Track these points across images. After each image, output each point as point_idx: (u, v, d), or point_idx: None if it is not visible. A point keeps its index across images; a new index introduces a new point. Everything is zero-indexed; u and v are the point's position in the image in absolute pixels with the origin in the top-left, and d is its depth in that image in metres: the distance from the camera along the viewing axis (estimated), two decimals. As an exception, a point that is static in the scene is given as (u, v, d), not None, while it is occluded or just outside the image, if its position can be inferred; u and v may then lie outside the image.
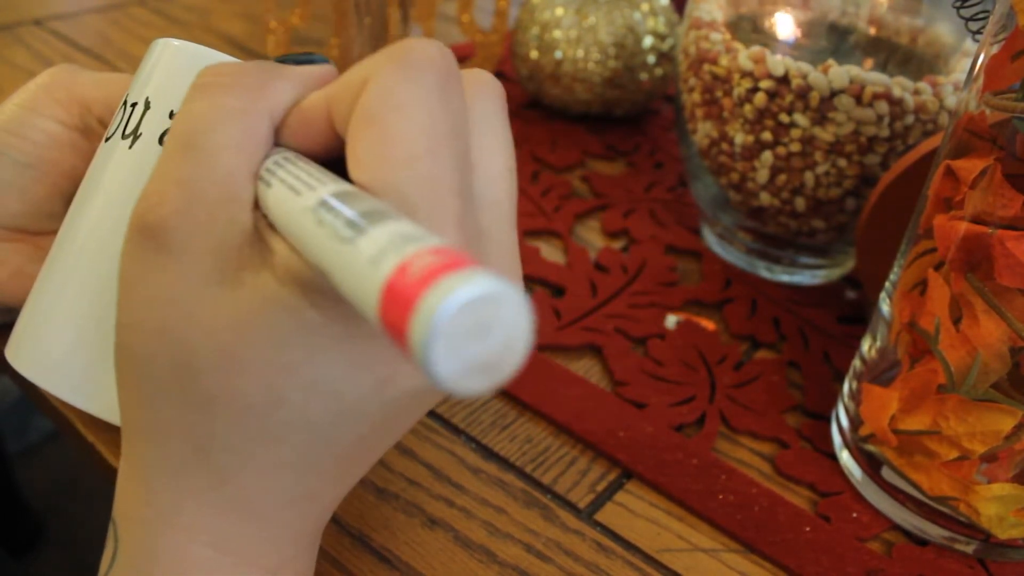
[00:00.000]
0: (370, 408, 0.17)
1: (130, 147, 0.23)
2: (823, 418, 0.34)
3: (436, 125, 0.16)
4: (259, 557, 0.19)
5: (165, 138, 0.21)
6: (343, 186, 0.16)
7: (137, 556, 0.19)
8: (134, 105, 0.24)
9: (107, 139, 0.24)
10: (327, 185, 0.15)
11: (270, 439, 0.17)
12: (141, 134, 0.23)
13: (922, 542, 0.30)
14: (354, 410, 0.17)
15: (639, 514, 0.30)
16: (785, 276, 0.43)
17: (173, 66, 0.23)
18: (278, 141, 0.18)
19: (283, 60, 0.20)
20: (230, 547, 0.19)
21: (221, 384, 0.17)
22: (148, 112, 0.23)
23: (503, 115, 0.19)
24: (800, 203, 0.39)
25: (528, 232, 0.44)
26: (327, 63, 0.20)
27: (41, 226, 0.28)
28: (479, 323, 0.12)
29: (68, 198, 0.26)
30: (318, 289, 0.16)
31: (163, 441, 0.18)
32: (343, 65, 0.54)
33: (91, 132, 0.28)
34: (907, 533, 0.30)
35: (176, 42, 0.24)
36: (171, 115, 0.23)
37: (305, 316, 0.16)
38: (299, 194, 0.16)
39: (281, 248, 0.16)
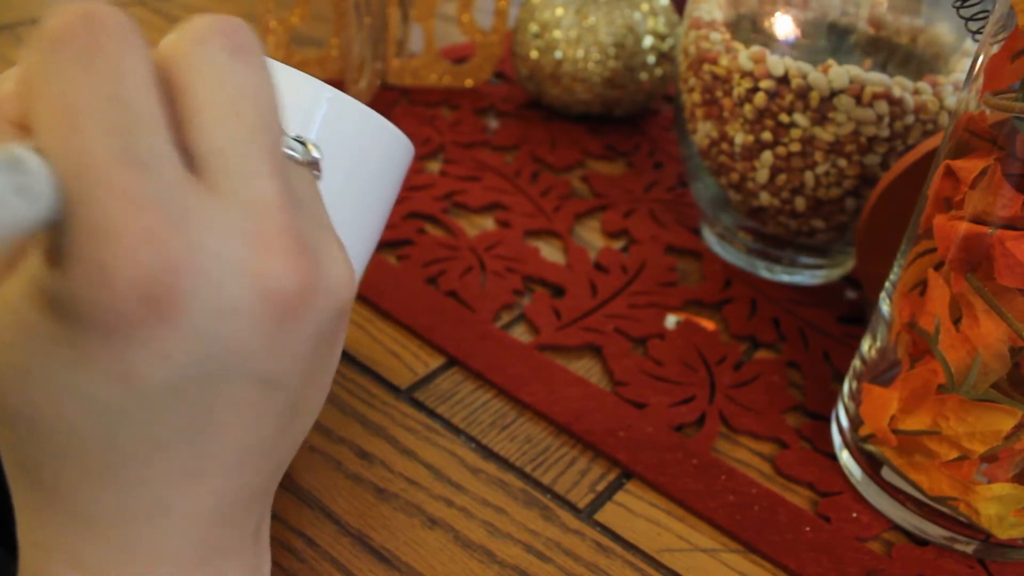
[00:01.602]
0: (132, 406, 0.16)
1: None
2: (823, 418, 0.34)
3: (74, 101, 0.15)
4: None
5: None
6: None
7: None
8: None
9: None
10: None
11: (66, 450, 0.17)
12: None
13: (922, 542, 0.30)
14: (114, 411, 0.16)
15: (639, 514, 0.30)
16: (785, 276, 0.43)
17: None
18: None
19: None
20: (89, 567, 0.18)
21: (0, 400, 0.17)
22: None
23: (224, 56, 0.17)
24: (800, 203, 0.39)
25: (528, 232, 0.44)
26: None
27: None
28: None
29: None
30: (47, 291, 0.15)
31: (4, 461, 0.18)
32: (343, 65, 0.54)
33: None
34: (907, 533, 0.30)
35: None
36: None
37: (29, 319, 0.16)
38: None
39: (32, 253, 0.16)
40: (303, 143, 0.20)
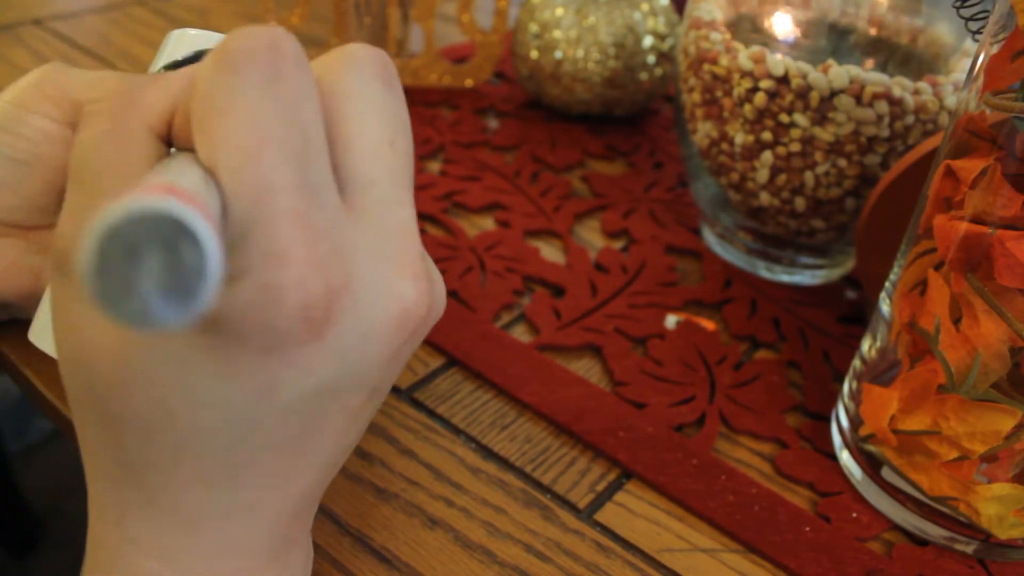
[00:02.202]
0: (263, 416, 0.17)
1: None
2: (823, 418, 0.34)
3: (259, 124, 0.15)
4: (208, 570, 0.19)
5: None
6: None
7: (96, 571, 0.19)
8: None
9: None
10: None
11: (182, 453, 0.17)
12: None
13: (922, 542, 0.30)
14: (247, 419, 0.17)
15: (639, 514, 0.30)
16: (785, 276, 0.43)
17: (188, 51, 0.24)
18: (179, 146, 0.18)
19: (174, 66, 0.20)
20: (178, 561, 0.19)
21: (120, 403, 0.17)
22: None
23: (379, 85, 0.18)
24: (800, 203, 0.39)
25: (528, 232, 0.44)
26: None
27: (34, 220, 0.28)
28: (134, 243, 0.11)
29: (61, 193, 0.26)
30: None
31: (99, 459, 0.19)
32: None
33: None
34: (907, 533, 0.30)
35: (192, 31, 0.24)
36: None
37: (183, 331, 0.16)
38: None
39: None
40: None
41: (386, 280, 0.17)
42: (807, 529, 0.29)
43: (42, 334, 0.27)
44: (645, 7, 0.53)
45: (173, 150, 0.18)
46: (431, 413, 0.33)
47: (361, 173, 0.17)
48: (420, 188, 0.46)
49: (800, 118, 0.37)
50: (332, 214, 0.16)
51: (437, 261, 0.40)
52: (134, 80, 0.18)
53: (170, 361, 0.16)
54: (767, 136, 0.38)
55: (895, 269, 0.30)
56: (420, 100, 0.56)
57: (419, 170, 0.48)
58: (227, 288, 0.15)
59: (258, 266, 0.15)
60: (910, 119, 0.36)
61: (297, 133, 0.16)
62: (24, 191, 0.27)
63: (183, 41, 0.24)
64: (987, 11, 0.28)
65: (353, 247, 0.17)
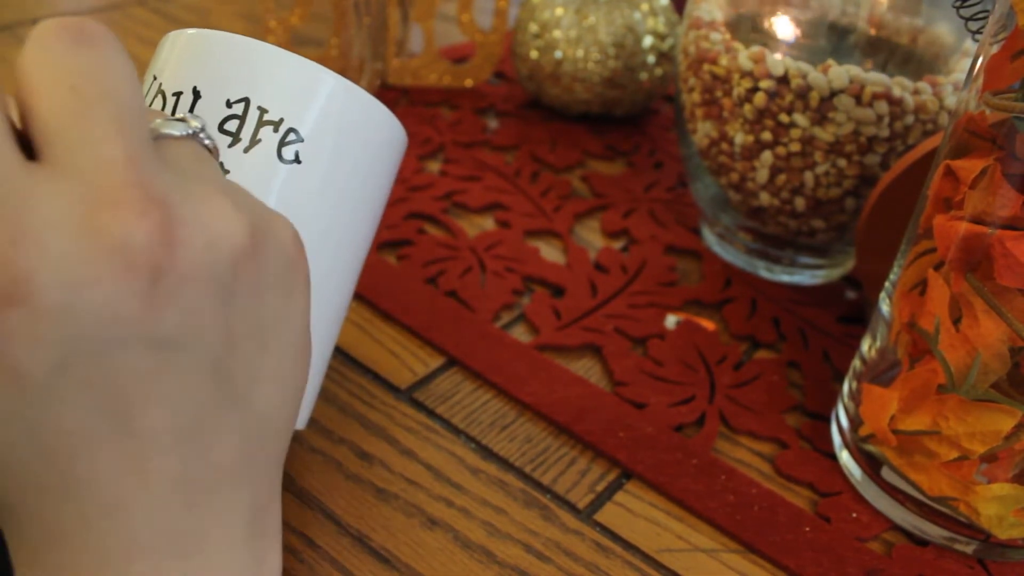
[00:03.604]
0: (35, 402, 0.16)
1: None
2: (823, 418, 0.34)
3: None
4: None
5: None
6: None
7: None
8: (179, 94, 0.24)
9: None
10: None
11: (3, 472, 0.17)
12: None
13: (922, 542, 0.30)
14: (26, 414, 0.16)
15: (639, 514, 0.30)
16: (785, 276, 0.43)
17: (185, 52, 0.24)
18: None
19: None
20: None
21: None
22: (200, 101, 0.23)
23: (57, 46, 0.17)
24: (800, 203, 0.39)
25: (528, 232, 0.44)
26: None
27: None
28: None
29: None
30: None
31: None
32: (343, 65, 0.54)
33: None
34: (907, 533, 0.30)
35: (190, 31, 0.24)
36: (228, 104, 0.23)
37: None
38: None
39: None
40: (181, 120, 0.19)
41: (83, 222, 0.16)
42: (807, 529, 0.29)
43: None
44: (645, 7, 0.53)
45: None
46: (431, 413, 0.33)
47: (47, 131, 0.16)
48: (420, 188, 0.46)
49: (800, 118, 0.37)
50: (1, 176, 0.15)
51: (437, 261, 0.41)
52: None
53: None
54: (767, 136, 0.38)
55: (895, 269, 0.30)
56: (420, 100, 0.56)
57: (419, 170, 0.48)
58: None
59: None
60: (910, 119, 0.36)
61: None
62: None
63: (178, 43, 0.24)
64: (987, 11, 0.28)
65: (36, 199, 0.15)
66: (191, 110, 0.23)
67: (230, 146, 0.23)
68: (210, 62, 0.24)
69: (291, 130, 0.23)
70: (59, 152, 0.16)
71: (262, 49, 0.23)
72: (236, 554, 0.19)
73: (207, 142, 0.20)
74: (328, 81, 0.24)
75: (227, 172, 0.23)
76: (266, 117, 0.23)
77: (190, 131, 0.19)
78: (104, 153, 0.16)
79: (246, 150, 0.23)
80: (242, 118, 0.23)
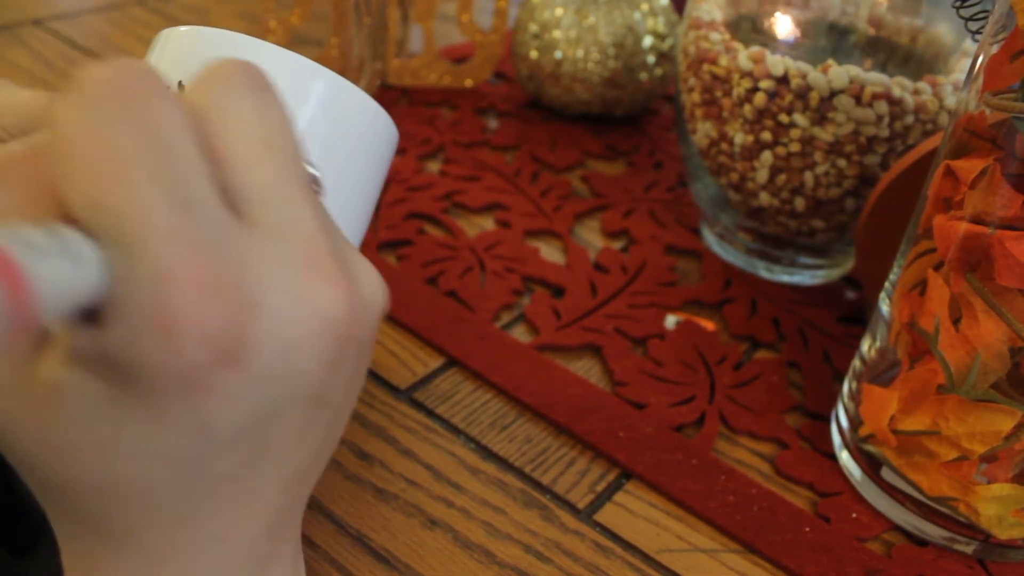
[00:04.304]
0: (205, 452, 0.16)
1: None
2: (823, 418, 0.34)
3: (117, 149, 0.14)
4: None
5: None
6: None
7: None
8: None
9: None
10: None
11: (137, 504, 0.17)
12: None
13: (922, 542, 0.30)
14: (190, 459, 0.16)
15: (638, 514, 0.30)
16: (785, 276, 0.43)
17: (178, 49, 0.24)
18: None
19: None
20: None
21: (60, 473, 0.16)
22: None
23: (245, 93, 0.17)
24: (800, 203, 0.39)
25: (528, 232, 0.44)
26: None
27: None
28: None
29: None
30: (94, 356, 0.15)
31: (59, 521, 0.18)
32: (343, 65, 0.54)
33: None
34: (907, 533, 0.30)
35: (183, 28, 0.24)
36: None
37: (91, 389, 0.15)
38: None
39: (58, 328, 0.15)
40: (305, 163, 0.20)
41: (296, 289, 0.16)
42: (807, 529, 0.29)
43: None
44: (645, 7, 0.53)
45: None
46: (431, 413, 0.33)
47: (246, 185, 0.17)
48: (420, 188, 0.46)
49: (800, 118, 0.37)
50: (220, 230, 0.15)
51: (437, 261, 0.41)
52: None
53: (95, 422, 0.16)
54: (767, 136, 0.38)
55: (895, 269, 0.30)
56: (420, 100, 0.56)
57: (419, 170, 0.48)
58: (112, 330, 0.14)
59: (143, 296, 0.14)
60: (910, 119, 0.36)
61: (163, 151, 0.15)
62: None
63: (172, 39, 0.24)
64: (987, 11, 0.28)
65: (253, 261, 0.16)
66: None
67: None
68: (197, 58, 0.23)
69: None
70: (263, 214, 0.17)
71: (249, 44, 0.23)
72: (287, 563, 0.21)
73: (317, 188, 0.20)
74: (318, 76, 0.23)
75: None
76: None
77: (311, 178, 0.20)
78: (303, 218, 0.17)
79: None
80: None
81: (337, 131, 0.24)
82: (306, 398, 0.17)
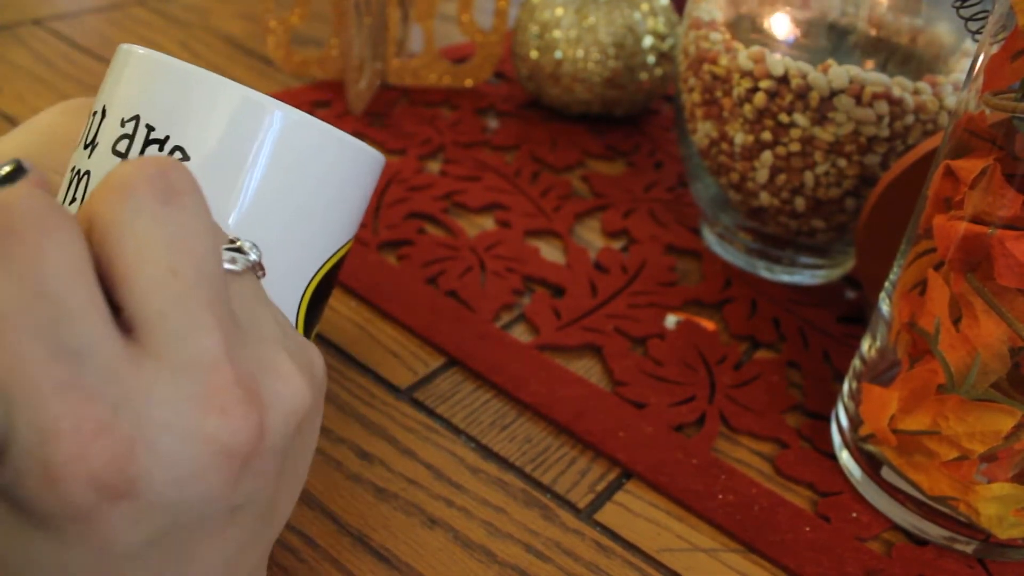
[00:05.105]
0: (117, 565, 0.16)
1: (88, 157, 0.23)
2: (823, 418, 0.34)
3: None
4: None
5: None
6: None
7: None
8: (95, 114, 0.23)
9: (75, 150, 0.24)
10: None
11: None
12: (98, 143, 0.22)
13: (922, 542, 0.30)
14: (105, 570, 0.16)
15: (639, 514, 0.30)
16: (785, 276, 0.43)
17: (129, 73, 0.23)
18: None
19: None
20: None
21: None
22: (104, 120, 0.23)
23: (153, 207, 0.16)
24: (800, 203, 0.39)
25: (528, 232, 0.44)
26: (25, 170, 0.17)
27: None
28: None
29: None
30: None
31: None
32: (343, 65, 0.54)
33: None
34: (907, 533, 0.30)
35: (138, 49, 0.23)
36: (122, 123, 0.22)
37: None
38: None
39: None
40: (239, 249, 0.19)
41: (188, 423, 0.16)
42: (807, 529, 0.29)
43: None
44: (645, 7, 0.53)
45: None
46: (431, 413, 0.33)
47: (144, 309, 0.16)
48: (420, 188, 0.46)
49: (800, 118, 0.37)
50: (105, 372, 0.15)
51: (437, 261, 0.41)
52: (30, 227, 0.16)
53: (8, 544, 0.16)
54: (767, 136, 0.38)
55: (895, 269, 0.30)
56: (420, 100, 0.56)
57: (419, 170, 0.48)
58: (8, 469, 0.15)
59: (27, 447, 0.15)
60: (910, 119, 0.36)
61: (42, 302, 0.15)
62: None
63: (131, 63, 0.23)
64: (987, 11, 0.28)
65: (147, 396, 0.16)
66: (98, 130, 0.23)
67: None
68: (117, 80, 0.23)
69: (176, 148, 0.22)
70: (162, 344, 0.16)
71: (160, 63, 0.22)
72: None
73: (254, 258, 0.19)
74: (273, 112, 0.22)
75: None
76: (152, 135, 0.22)
77: (249, 264, 0.19)
78: (205, 347, 0.16)
79: None
80: (131, 137, 0.22)
81: (293, 166, 0.23)
82: (215, 510, 0.17)
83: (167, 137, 0.22)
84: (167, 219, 0.17)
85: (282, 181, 0.23)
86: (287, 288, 0.24)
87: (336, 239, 0.25)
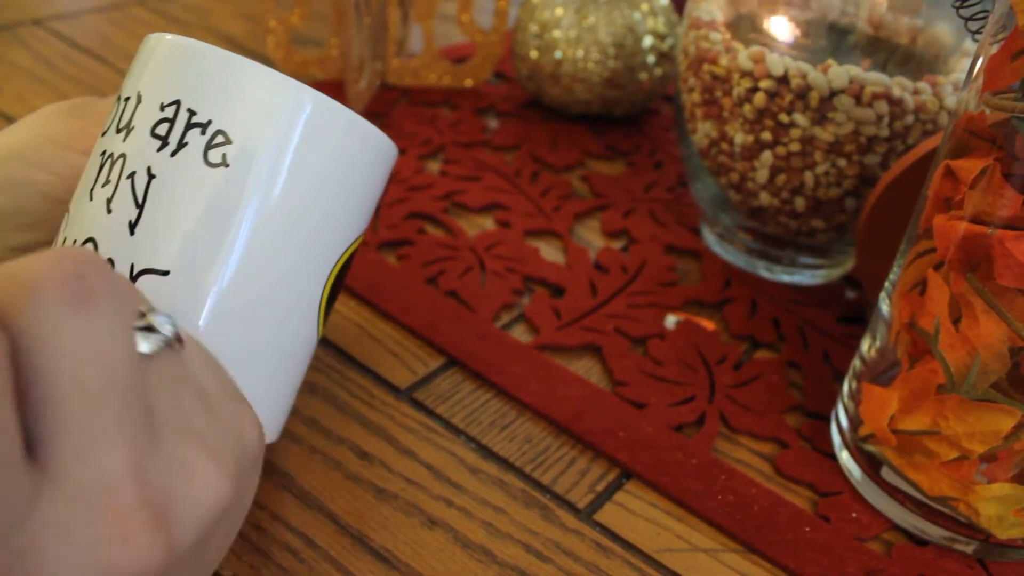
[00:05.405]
0: None
1: (123, 140, 0.23)
2: (823, 418, 0.34)
3: None
4: None
5: None
6: None
7: None
8: (127, 99, 0.24)
9: (103, 135, 0.24)
10: None
11: None
12: (134, 127, 0.23)
13: (922, 542, 0.30)
14: None
15: (638, 514, 0.30)
16: (785, 276, 0.43)
17: (165, 60, 0.24)
18: None
19: None
20: None
21: None
22: (140, 105, 0.23)
23: (62, 311, 0.15)
24: (800, 203, 0.39)
25: (528, 232, 0.44)
26: None
27: None
28: None
29: None
30: None
31: None
32: (343, 65, 0.54)
33: None
34: (907, 533, 0.30)
35: (169, 36, 0.24)
36: (161, 107, 0.23)
37: None
38: None
39: None
40: (150, 327, 0.18)
41: (90, 552, 0.15)
42: (807, 529, 0.29)
43: None
44: (645, 7, 0.53)
45: None
46: (431, 413, 0.33)
47: (49, 430, 0.15)
48: (420, 188, 0.46)
49: (800, 118, 0.37)
50: (4, 496, 0.14)
51: (437, 261, 0.41)
52: None
53: None
54: (767, 136, 0.38)
55: (895, 269, 0.30)
56: (420, 100, 0.56)
57: (419, 170, 0.48)
58: None
59: None
60: (910, 119, 0.36)
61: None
62: (58, 229, 0.26)
63: (160, 45, 0.24)
64: (987, 11, 0.28)
65: (44, 526, 0.15)
66: (133, 114, 0.23)
67: (159, 150, 0.22)
68: (151, 67, 0.23)
69: (219, 132, 0.22)
70: (62, 463, 0.15)
71: (198, 50, 0.23)
72: None
73: (168, 332, 0.18)
74: (304, 95, 0.23)
75: (153, 177, 0.22)
76: (195, 119, 0.22)
77: (168, 339, 0.18)
78: (107, 466, 0.16)
79: (172, 154, 0.22)
80: (172, 121, 0.23)
81: (324, 151, 0.24)
82: None
83: (209, 121, 0.22)
84: (75, 327, 0.15)
85: (317, 165, 0.23)
86: (313, 274, 0.25)
87: (355, 228, 0.26)
